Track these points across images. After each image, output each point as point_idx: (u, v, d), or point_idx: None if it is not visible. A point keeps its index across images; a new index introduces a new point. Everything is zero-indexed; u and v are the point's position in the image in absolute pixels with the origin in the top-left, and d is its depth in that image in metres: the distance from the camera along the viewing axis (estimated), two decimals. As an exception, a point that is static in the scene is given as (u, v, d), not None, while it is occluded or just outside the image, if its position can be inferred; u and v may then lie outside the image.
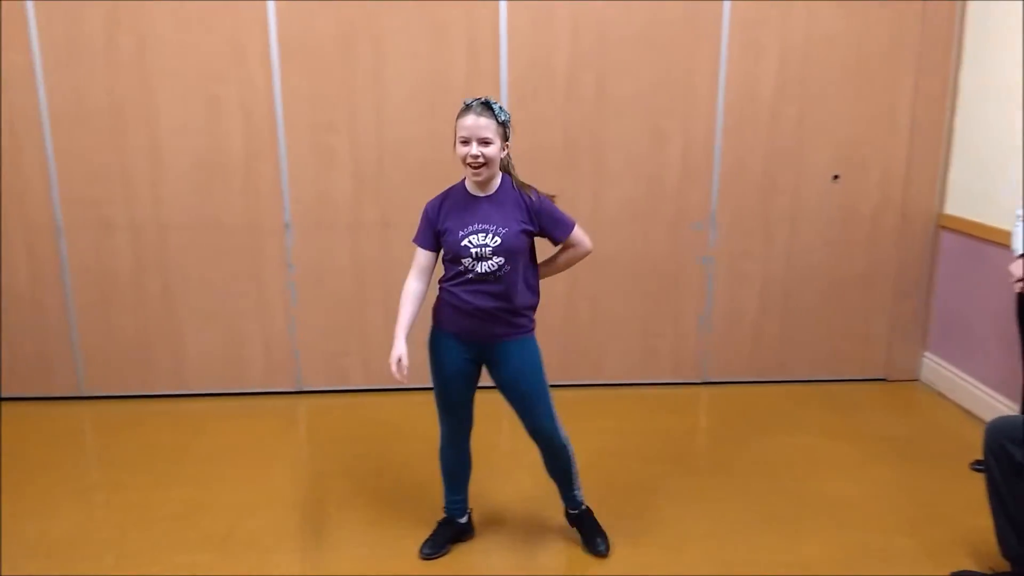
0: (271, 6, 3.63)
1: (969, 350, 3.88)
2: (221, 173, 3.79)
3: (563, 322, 4.07)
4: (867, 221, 4.06)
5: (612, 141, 3.88)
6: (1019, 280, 2.82)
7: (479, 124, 2.33)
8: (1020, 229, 2.91)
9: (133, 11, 3.58)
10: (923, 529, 2.85)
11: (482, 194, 2.44)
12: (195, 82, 3.68)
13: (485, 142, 2.33)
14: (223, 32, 3.64)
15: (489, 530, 2.85)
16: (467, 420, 2.64)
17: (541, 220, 2.45)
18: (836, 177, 3.99)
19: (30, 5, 3.55)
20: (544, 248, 2.56)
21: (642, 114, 3.85)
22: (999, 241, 3.55)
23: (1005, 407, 3.56)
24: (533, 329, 2.54)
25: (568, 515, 2.75)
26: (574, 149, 3.88)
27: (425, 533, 2.76)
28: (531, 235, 2.46)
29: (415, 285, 2.52)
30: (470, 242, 2.38)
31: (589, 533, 2.70)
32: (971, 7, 3.79)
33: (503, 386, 2.54)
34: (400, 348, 2.45)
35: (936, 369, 4.12)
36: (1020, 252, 2.87)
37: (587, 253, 2.56)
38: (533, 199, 2.45)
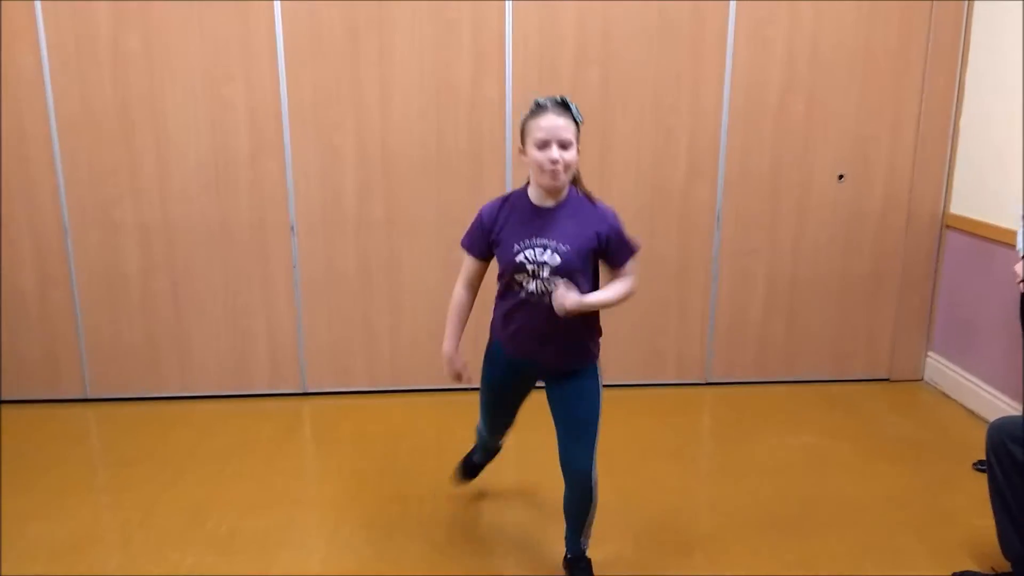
0: (277, 6, 3.64)
1: (973, 350, 3.87)
2: (227, 173, 3.81)
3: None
4: (872, 221, 4.06)
5: (617, 139, 3.89)
6: (1023, 280, 2.82)
7: (559, 124, 2.07)
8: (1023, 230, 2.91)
9: (140, 11, 3.60)
10: (926, 529, 2.85)
11: (548, 205, 2.20)
12: (201, 82, 3.70)
13: (565, 145, 2.09)
14: (229, 32, 3.65)
15: (495, 530, 2.85)
16: (507, 423, 2.63)
17: (611, 241, 2.20)
18: (841, 177, 3.98)
19: (38, 5, 3.58)
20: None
21: (648, 112, 3.85)
22: (1005, 241, 3.55)
23: (1009, 407, 3.55)
24: (597, 357, 2.36)
25: (567, 560, 2.53)
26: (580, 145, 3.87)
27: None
28: (596, 255, 2.23)
29: (463, 295, 2.35)
30: (526, 257, 2.16)
31: None
32: (978, 6, 3.79)
33: (557, 405, 2.34)
34: (456, 365, 2.38)
35: (940, 369, 4.12)
36: (1024, 253, 2.87)
37: (629, 293, 2.24)
38: (609, 216, 2.21)
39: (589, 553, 2.52)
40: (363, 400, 3.99)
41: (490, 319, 2.42)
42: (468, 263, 2.33)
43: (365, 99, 3.76)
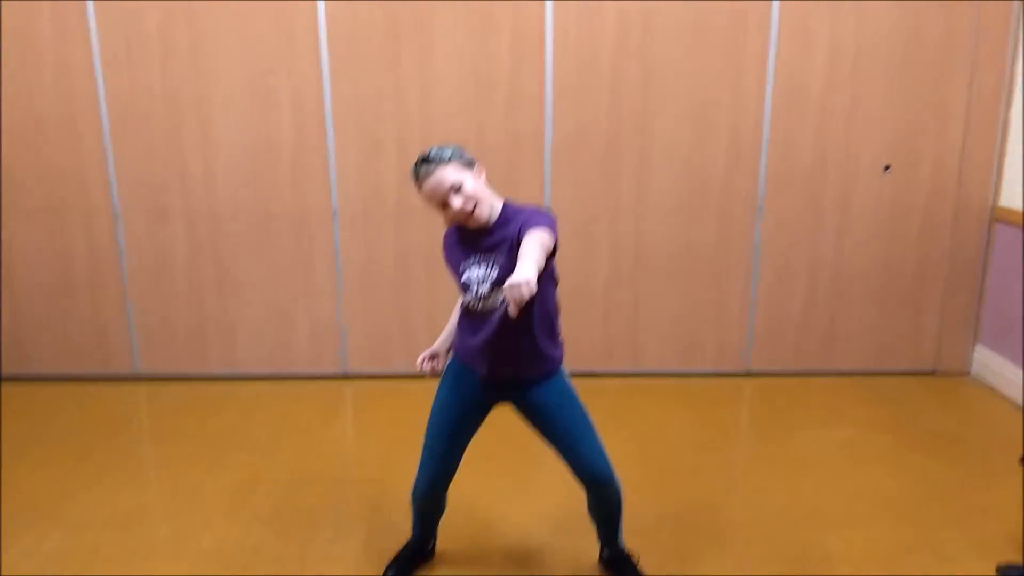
0: (321, 5, 3.69)
1: (1022, 344, 3.79)
2: (271, 163, 3.89)
3: (604, 310, 4.09)
4: (919, 213, 3.99)
5: (658, 132, 3.87)
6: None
7: (437, 180, 2.04)
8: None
9: (188, 8, 3.69)
10: (970, 523, 2.81)
11: (484, 226, 2.13)
12: (247, 75, 3.78)
13: (456, 188, 2.05)
14: (274, 26, 3.72)
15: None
16: (450, 466, 2.34)
17: (523, 227, 2.02)
18: (887, 168, 3.92)
19: (90, 5, 3.68)
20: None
21: (688, 106, 3.83)
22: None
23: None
24: (559, 363, 2.26)
25: (602, 559, 2.49)
26: (618, 141, 3.88)
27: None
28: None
29: (457, 310, 2.33)
30: (470, 277, 2.13)
31: None
32: (1030, -7, 3.69)
33: (539, 427, 2.27)
34: (432, 361, 2.35)
35: (988, 363, 4.04)
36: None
37: (542, 237, 1.96)
38: (525, 213, 2.09)
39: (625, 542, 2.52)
40: (403, 384, 4.05)
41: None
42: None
43: (405, 91, 3.80)
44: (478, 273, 2.12)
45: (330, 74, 3.78)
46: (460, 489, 2.96)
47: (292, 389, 4.05)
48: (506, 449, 3.14)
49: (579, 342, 4.10)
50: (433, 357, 2.38)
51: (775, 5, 3.72)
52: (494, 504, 2.95)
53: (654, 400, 3.90)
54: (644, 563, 2.52)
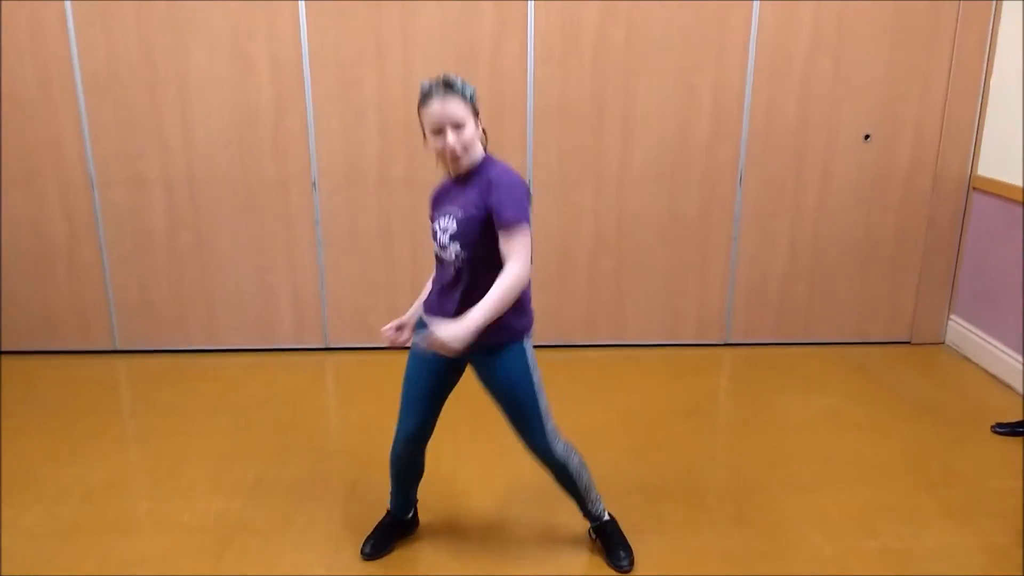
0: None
1: (996, 314, 3.84)
2: (250, 129, 3.83)
3: (587, 281, 4.09)
4: (898, 183, 4.01)
5: (640, 98, 3.85)
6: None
7: (446, 108, 2.06)
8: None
9: (162, -32, 3.61)
10: (942, 489, 2.87)
11: (462, 176, 2.18)
12: (225, 39, 3.71)
13: (458, 126, 2.08)
14: (251, -11, 3.65)
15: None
16: (425, 423, 2.35)
17: (491, 196, 2.06)
18: (867, 137, 3.93)
19: (61, -38, 3.59)
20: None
21: (671, 71, 3.81)
22: (1032, 204, 3.50)
23: (1031, 371, 3.54)
24: (522, 333, 2.23)
25: (591, 530, 2.54)
26: (602, 105, 3.86)
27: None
28: (485, 225, 2.10)
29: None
30: (438, 226, 2.17)
31: (611, 546, 2.48)
32: (1012, -38, 3.69)
33: (490, 389, 2.30)
34: (402, 318, 2.34)
35: (962, 333, 4.09)
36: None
37: (513, 286, 2.01)
38: (499, 182, 2.08)
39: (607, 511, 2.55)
40: (385, 356, 4.05)
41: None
42: None
43: (386, 55, 3.75)
44: (442, 223, 2.16)
45: (308, 39, 3.72)
46: (440, 459, 2.98)
47: (273, 361, 4.04)
48: (487, 416, 3.16)
49: (562, 314, 4.12)
50: (400, 328, 2.36)
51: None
52: (474, 474, 2.97)
53: (636, 371, 3.93)
54: (623, 528, 2.55)
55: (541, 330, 3.48)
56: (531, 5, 3.70)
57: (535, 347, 2.31)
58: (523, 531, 2.64)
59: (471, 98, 2.11)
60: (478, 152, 2.16)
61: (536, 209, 3.93)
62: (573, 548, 2.55)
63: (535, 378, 2.26)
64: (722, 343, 4.23)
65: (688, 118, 3.89)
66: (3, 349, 4.09)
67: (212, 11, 3.66)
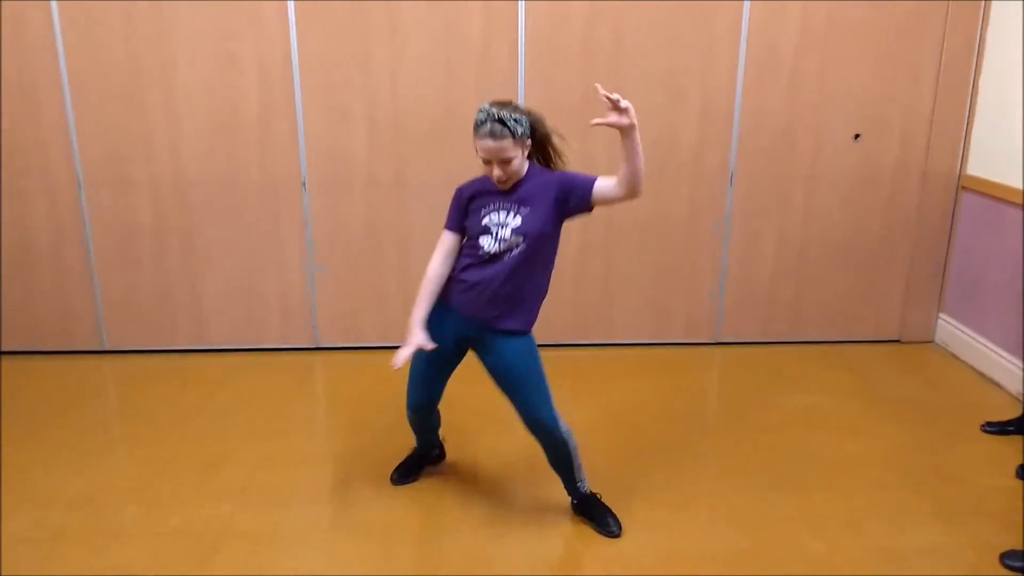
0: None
1: (985, 313, 3.86)
2: (238, 131, 3.81)
3: (575, 281, 4.09)
4: (887, 182, 4.02)
5: (629, 98, 3.78)
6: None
7: (499, 147, 2.29)
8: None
9: (148, -33, 3.57)
10: (931, 488, 2.88)
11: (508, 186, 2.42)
12: (212, 39, 3.68)
13: (505, 161, 2.31)
14: (238, -12, 3.62)
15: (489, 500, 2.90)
16: (434, 395, 2.66)
17: (565, 185, 2.38)
18: (857, 136, 3.94)
19: (45, -39, 3.55)
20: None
21: (660, 71, 3.81)
22: (1020, 203, 3.51)
23: (1019, 370, 3.55)
24: (531, 327, 2.49)
25: (573, 505, 2.69)
26: (590, 106, 3.84)
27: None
28: (558, 213, 2.38)
29: (439, 269, 2.48)
30: (491, 219, 2.39)
31: (599, 517, 2.62)
32: (1000, -38, 3.70)
33: (494, 375, 2.50)
34: (421, 335, 2.42)
35: (951, 331, 4.11)
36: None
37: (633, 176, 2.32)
38: (556, 175, 2.41)
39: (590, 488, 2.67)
40: (374, 355, 4.03)
41: None
42: (445, 237, 2.50)
43: (374, 56, 3.73)
44: (500, 217, 2.37)
45: (297, 39, 3.69)
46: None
47: (263, 361, 4.01)
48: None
49: (550, 314, 4.09)
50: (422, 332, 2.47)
51: (748, -28, 3.69)
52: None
53: (624, 370, 3.92)
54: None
55: (531, 330, 3.46)
56: (522, 7, 3.68)
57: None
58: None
59: (521, 135, 2.31)
60: (522, 171, 2.39)
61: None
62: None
63: (541, 362, 2.48)
64: (711, 342, 4.23)
65: (677, 119, 3.88)
66: (-11, 351, 4.06)
67: (199, 12, 3.63)
